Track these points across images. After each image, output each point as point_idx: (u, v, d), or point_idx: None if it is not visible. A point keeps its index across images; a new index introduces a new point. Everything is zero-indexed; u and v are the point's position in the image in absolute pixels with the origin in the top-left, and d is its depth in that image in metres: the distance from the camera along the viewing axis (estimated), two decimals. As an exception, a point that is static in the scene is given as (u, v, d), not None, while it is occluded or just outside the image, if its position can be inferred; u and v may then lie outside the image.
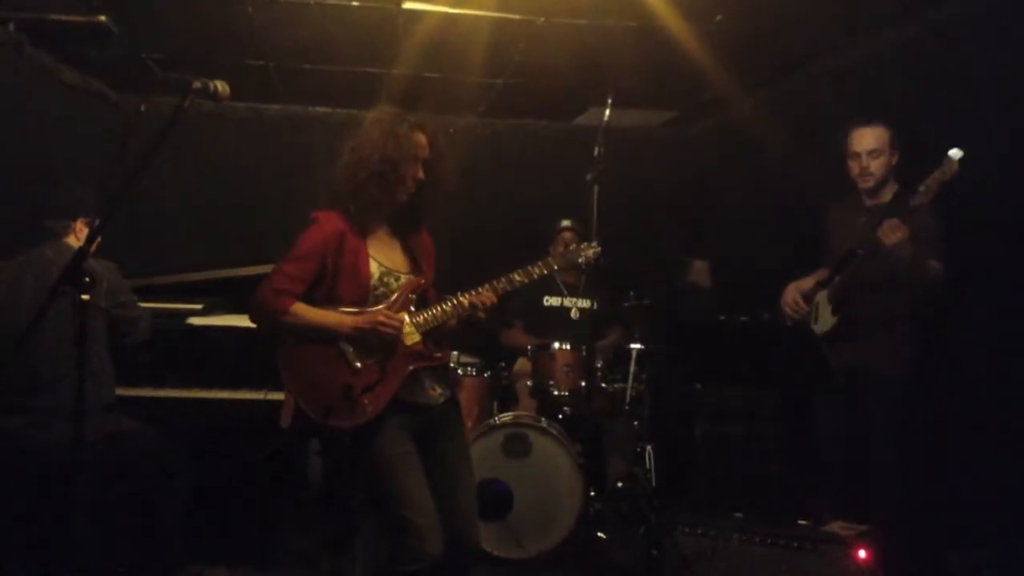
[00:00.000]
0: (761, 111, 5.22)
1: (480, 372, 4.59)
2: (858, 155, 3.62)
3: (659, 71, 4.79)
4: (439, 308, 2.84)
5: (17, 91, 4.31)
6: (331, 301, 2.78)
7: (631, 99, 5.26)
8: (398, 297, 2.83)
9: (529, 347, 4.69)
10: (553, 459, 4.06)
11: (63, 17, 4.14)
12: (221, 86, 2.39)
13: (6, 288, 3.36)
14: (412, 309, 2.84)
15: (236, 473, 3.87)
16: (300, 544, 3.99)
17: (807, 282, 3.80)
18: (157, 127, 2.34)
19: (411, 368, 2.80)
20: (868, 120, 3.62)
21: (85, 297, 2.16)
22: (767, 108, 5.19)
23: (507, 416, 4.23)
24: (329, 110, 5.72)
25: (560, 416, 4.36)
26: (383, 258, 2.86)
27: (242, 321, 3.89)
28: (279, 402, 3.57)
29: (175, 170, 5.51)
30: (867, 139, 3.60)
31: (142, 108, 5.20)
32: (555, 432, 4.11)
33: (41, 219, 3.51)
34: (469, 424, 4.40)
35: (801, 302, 3.76)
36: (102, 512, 3.21)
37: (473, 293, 2.84)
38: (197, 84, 2.33)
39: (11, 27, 4.18)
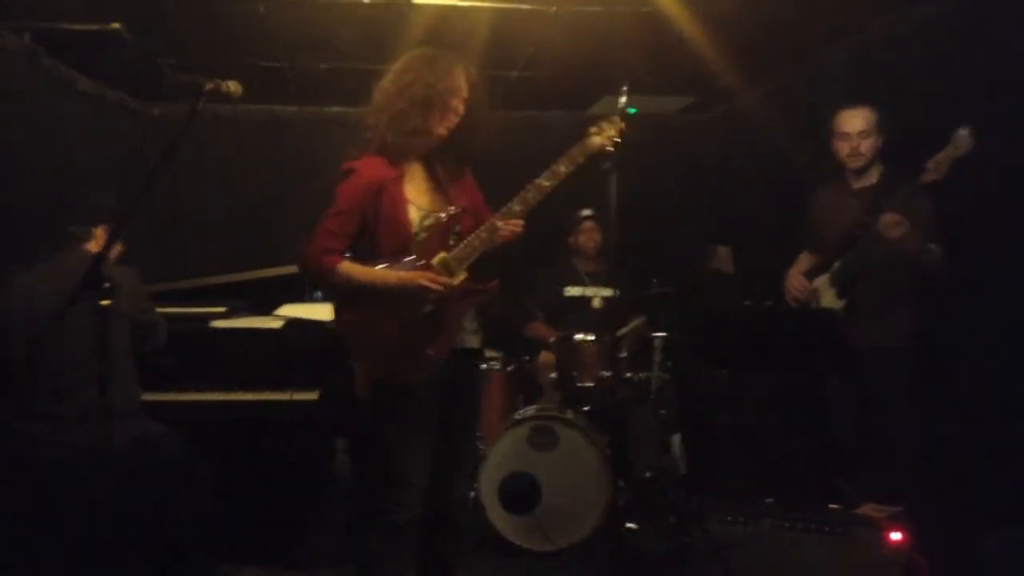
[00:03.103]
0: (774, 97, 5.18)
1: (504, 366, 4.58)
2: (848, 136, 3.65)
3: (673, 57, 4.74)
4: (476, 237, 2.79)
5: (34, 100, 4.34)
6: (373, 253, 2.76)
7: (646, 86, 5.22)
8: (435, 239, 2.79)
9: (552, 339, 4.67)
10: (580, 451, 4.04)
11: (77, 26, 4.16)
12: (234, 86, 2.39)
13: (28, 295, 3.38)
14: (451, 244, 2.81)
15: (263, 474, 3.88)
16: (329, 543, 4.00)
17: (803, 264, 3.83)
18: (173, 131, 2.34)
19: (464, 307, 2.81)
20: (855, 102, 3.65)
21: (106, 302, 2.16)
22: (780, 94, 5.14)
23: (532, 409, 4.21)
24: (344, 109, 5.72)
25: (585, 408, 4.34)
26: (421, 200, 2.82)
27: (265, 323, 3.91)
28: (303, 402, 3.60)
29: (194, 175, 5.54)
30: (857, 120, 3.63)
31: (156, 112, 5.25)
32: (581, 424, 4.09)
33: (63, 225, 3.53)
34: (494, 419, 4.39)
35: (807, 285, 3.77)
36: (129, 516, 3.23)
37: (503, 211, 2.80)
38: (210, 85, 2.34)
39: (27, 37, 4.21)
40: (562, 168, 2.84)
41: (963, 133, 3.15)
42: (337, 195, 2.78)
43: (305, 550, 3.94)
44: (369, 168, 2.78)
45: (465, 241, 2.80)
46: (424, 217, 2.81)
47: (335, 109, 5.74)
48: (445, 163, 2.90)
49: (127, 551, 3.29)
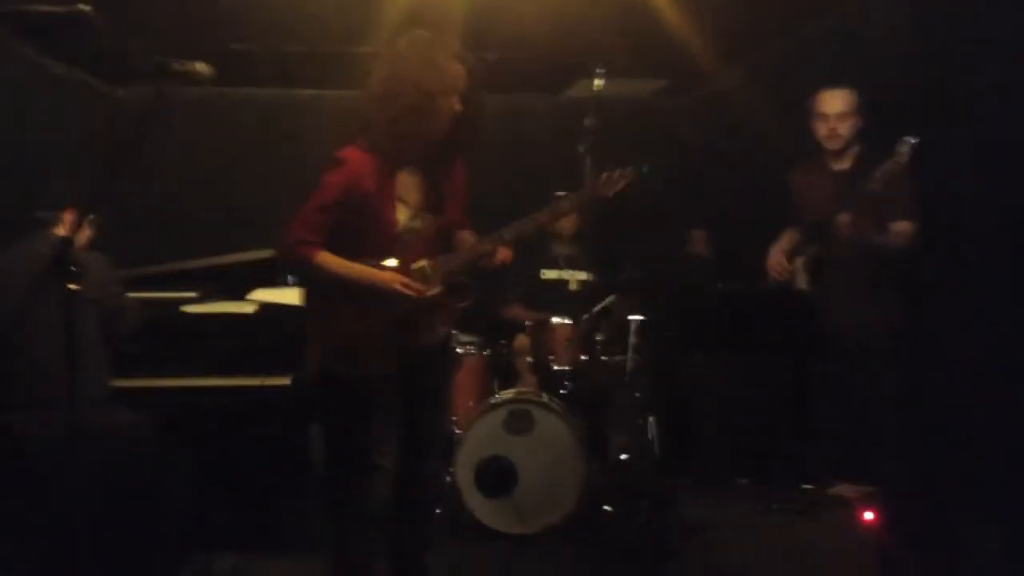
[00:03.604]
0: (750, 78, 5.18)
1: (480, 350, 4.57)
2: (826, 116, 3.63)
3: (648, 40, 4.73)
4: (461, 254, 2.78)
5: (2, 83, 4.26)
6: (355, 248, 2.71)
7: (621, 69, 5.20)
8: (420, 244, 2.77)
9: (527, 323, 4.67)
10: (556, 434, 4.05)
11: (45, 8, 4.08)
12: (203, 68, 2.34)
13: (-4, 281, 3.33)
14: (434, 254, 2.79)
15: (238, 459, 3.85)
16: (305, 527, 3.98)
17: (784, 242, 3.83)
18: (142, 114, 2.30)
19: (431, 317, 2.79)
20: (836, 83, 3.64)
21: (73, 287, 2.12)
22: (758, 74, 5.14)
23: (508, 393, 4.22)
24: (317, 92, 5.67)
25: (561, 391, 4.35)
26: (411, 198, 2.79)
27: (237, 308, 3.87)
28: (277, 387, 3.58)
29: (165, 159, 5.45)
30: (836, 102, 3.62)
31: (121, 93, 5.17)
32: (557, 407, 4.10)
33: (31, 210, 3.48)
34: (471, 403, 4.39)
35: (786, 264, 3.77)
36: (103, 505, 3.19)
37: (493, 235, 2.78)
38: (177, 67, 2.29)
39: (-8, 19, 4.14)
40: (564, 207, 2.86)
41: (903, 148, 3.19)
42: (323, 185, 2.71)
43: (282, 536, 3.92)
44: (359, 161, 2.71)
45: (449, 255, 2.79)
46: (412, 217, 2.79)
47: (308, 92, 5.68)
48: (439, 161, 2.84)
49: (102, 540, 3.26)
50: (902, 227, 3.47)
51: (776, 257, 3.82)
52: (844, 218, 3.36)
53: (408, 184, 2.80)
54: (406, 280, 2.70)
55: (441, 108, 2.68)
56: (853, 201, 3.37)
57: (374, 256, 2.73)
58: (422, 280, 2.73)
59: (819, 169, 3.77)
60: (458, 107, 2.72)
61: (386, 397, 2.79)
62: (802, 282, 3.68)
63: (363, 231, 2.73)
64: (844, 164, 3.69)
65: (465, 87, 2.73)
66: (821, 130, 3.67)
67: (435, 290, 2.75)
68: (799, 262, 3.71)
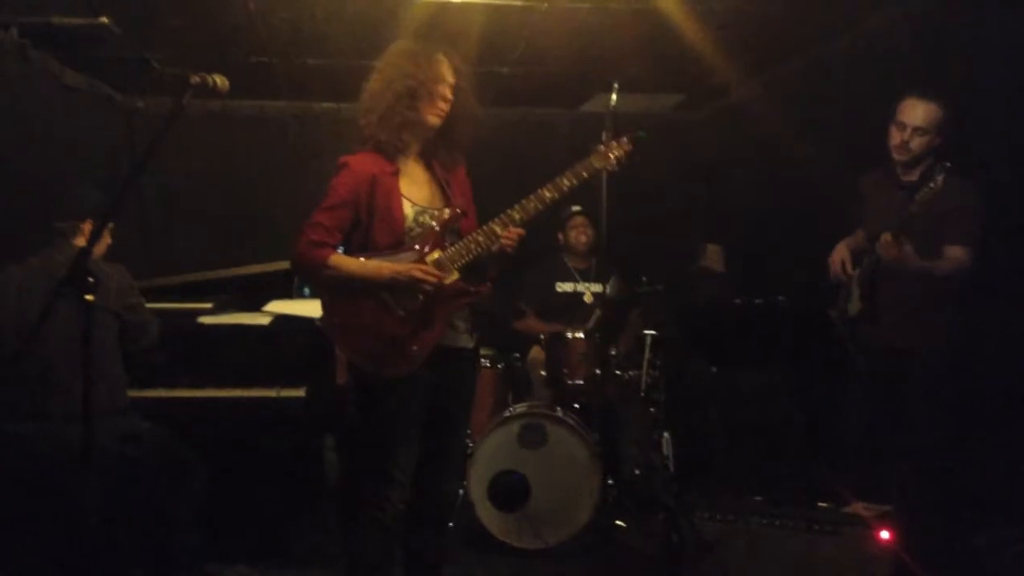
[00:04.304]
0: (770, 93, 5.17)
1: (494, 363, 4.57)
2: (904, 126, 3.43)
3: (665, 55, 4.73)
4: (472, 240, 2.78)
5: (22, 95, 4.30)
6: (366, 247, 2.75)
7: (638, 84, 5.21)
8: (431, 236, 2.78)
9: (542, 335, 4.66)
10: (569, 448, 4.04)
11: (66, 20, 4.13)
12: (220, 80, 2.37)
13: (16, 292, 3.35)
14: (447, 245, 2.80)
15: (252, 471, 3.86)
16: (319, 540, 3.98)
17: (852, 241, 3.70)
18: (160, 126, 2.32)
19: (454, 308, 2.80)
20: (926, 94, 3.40)
21: (89, 298, 2.14)
22: (776, 90, 5.13)
23: (522, 406, 4.21)
24: (335, 105, 5.68)
25: (575, 405, 4.33)
26: (416, 196, 2.82)
27: (252, 319, 3.89)
28: (292, 399, 3.59)
29: (183, 171, 5.51)
30: (918, 114, 3.40)
31: (140, 105, 5.21)
32: (571, 421, 4.08)
33: (50, 221, 3.51)
34: (484, 416, 4.38)
35: (849, 266, 3.64)
36: (118, 515, 3.21)
37: (503, 217, 2.79)
38: (195, 79, 2.31)
39: (14, 32, 4.17)
40: (565, 182, 2.83)
41: (939, 175, 3.10)
42: (330, 189, 2.78)
43: (295, 548, 3.92)
44: (363, 162, 2.78)
45: (462, 242, 2.79)
46: (419, 213, 2.80)
47: (325, 105, 5.71)
48: (441, 158, 2.90)
49: (115, 550, 3.27)
50: (955, 253, 3.35)
51: (841, 253, 3.68)
52: (886, 238, 3.25)
53: (412, 182, 2.84)
54: (425, 267, 2.72)
55: (432, 93, 2.75)
56: (898, 223, 3.26)
57: (385, 254, 2.75)
58: (439, 269, 2.75)
59: (888, 178, 3.60)
60: (449, 95, 2.79)
61: (412, 406, 2.78)
62: (853, 298, 3.59)
63: (372, 230, 2.75)
64: (913, 176, 3.49)
65: (455, 80, 2.81)
66: (894, 138, 3.46)
67: (452, 277, 2.76)
68: (856, 273, 3.61)
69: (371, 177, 2.75)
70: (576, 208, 5.05)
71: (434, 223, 2.80)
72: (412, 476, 2.81)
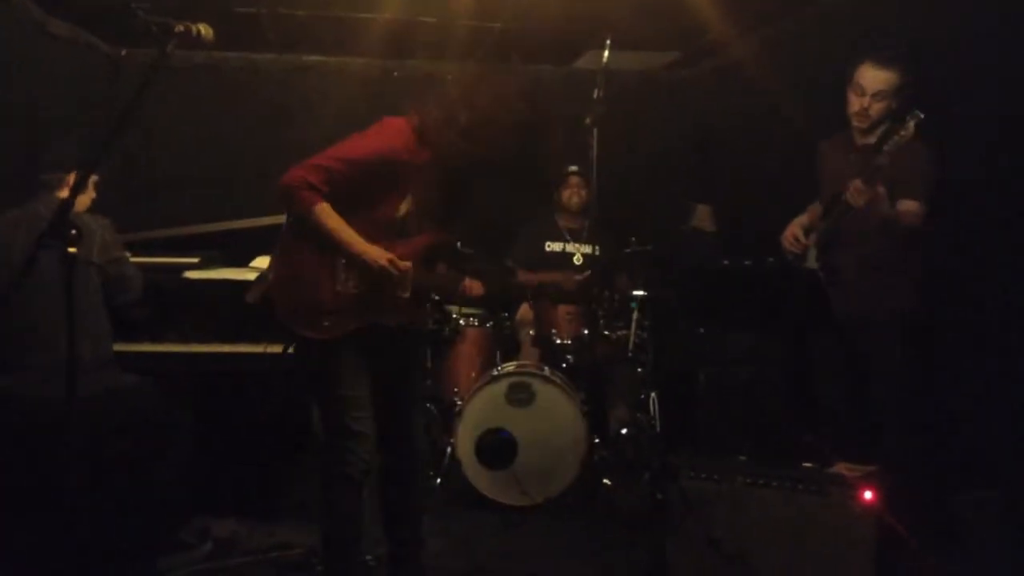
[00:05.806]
0: (764, 51, 5.10)
1: (482, 323, 4.56)
2: (862, 91, 3.44)
3: (659, 11, 4.66)
4: (439, 275, 2.83)
5: (6, 44, 4.23)
6: (347, 213, 2.70)
7: (631, 41, 5.15)
8: (408, 246, 2.79)
9: (530, 292, 4.63)
10: (557, 407, 4.05)
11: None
12: (205, 29, 2.31)
13: (1, 244, 3.31)
14: (417, 263, 2.79)
15: (239, 425, 3.86)
16: (306, 493, 3.99)
17: (804, 218, 3.76)
18: (144, 75, 2.28)
19: (384, 319, 2.79)
20: (883, 59, 3.41)
21: (72, 250, 2.11)
22: (770, 48, 5.07)
23: (510, 365, 4.21)
24: (323, 58, 5.60)
25: (563, 364, 4.34)
26: (421, 197, 2.80)
27: (239, 274, 3.86)
28: (277, 355, 3.57)
29: (169, 123, 5.42)
30: (878, 80, 3.41)
31: (123, 53, 5.11)
32: (558, 380, 4.09)
33: (35, 172, 3.46)
34: (473, 374, 4.38)
35: (802, 238, 3.70)
36: (104, 468, 3.20)
37: (470, 279, 2.82)
38: (179, 28, 2.26)
39: (-4, -22, 4.09)
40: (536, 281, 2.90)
41: (911, 122, 3.10)
42: (358, 140, 2.73)
43: (282, 502, 3.94)
44: (406, 143, 2.72)
45: (427, 271, 2.84)
46: (411, 214, 2.80)
47: (314, 58, 5.61)
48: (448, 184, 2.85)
49: (101, 503, 3.27)
50: (908, 206, 3.37)
51: (792, 230, 3.74)
52: (857, 183, 3.24)
53: (429, 188, 2.81)
54: (401, 265, 2.71)
55: (497, 145, 2.70)
56: (866, 174, 3.27)
57: (362, 234, 2.72)
58: (403, 280, 2.75)
59: (845, 143, 3.62)
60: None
61: (338, 364, 2.77)
62: (812, 259, 3.64)
63: (361, 201, 2.71)
64: (870, 139, 3.52)
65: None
66: (854, 105, 3.48)
67: (405, 293, 2.77)
68: (812, 238, 3.66)
69: (396, 158, 2.71)
70: (573, 168, 5.00)
71: (417, 234, 2.82)
72: (378, 430, 2.82)
